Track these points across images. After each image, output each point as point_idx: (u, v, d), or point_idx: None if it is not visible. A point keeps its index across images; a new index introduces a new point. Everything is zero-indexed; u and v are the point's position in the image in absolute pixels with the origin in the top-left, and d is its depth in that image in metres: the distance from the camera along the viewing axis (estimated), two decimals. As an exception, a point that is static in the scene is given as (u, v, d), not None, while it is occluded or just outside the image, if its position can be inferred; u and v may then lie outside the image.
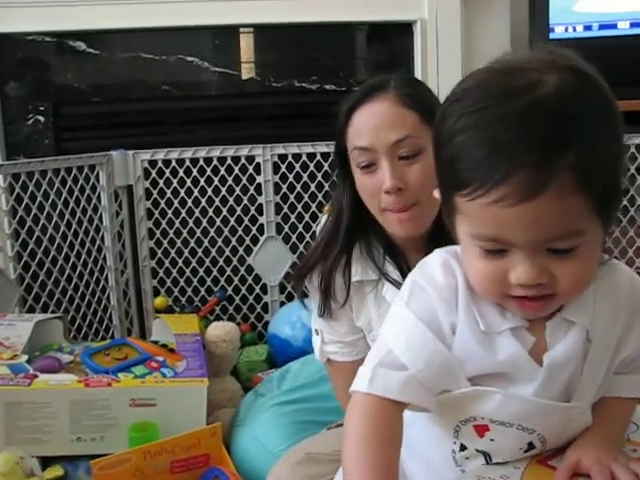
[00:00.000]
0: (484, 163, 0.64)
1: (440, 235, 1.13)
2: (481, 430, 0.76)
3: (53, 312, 1.83)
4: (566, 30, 2.14)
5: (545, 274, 0.66)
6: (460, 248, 0.74)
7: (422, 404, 0.73)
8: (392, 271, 1.19)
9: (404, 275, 1.16)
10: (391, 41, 2.20)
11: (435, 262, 0.75)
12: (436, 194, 0.74)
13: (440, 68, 2.15)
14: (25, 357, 1.45)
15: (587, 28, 2.14)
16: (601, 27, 2.16)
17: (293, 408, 1.47)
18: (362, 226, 1.19)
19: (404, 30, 2.18)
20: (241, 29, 2.14)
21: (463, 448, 0.79)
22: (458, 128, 0.67)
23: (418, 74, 2.15)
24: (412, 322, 0.73)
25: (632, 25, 2.16)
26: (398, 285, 1.16)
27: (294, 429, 1.40)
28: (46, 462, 1.36)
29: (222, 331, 1.70)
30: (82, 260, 1.94)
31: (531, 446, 0.77)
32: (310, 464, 1.03)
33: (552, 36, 2.14)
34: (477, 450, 0.79)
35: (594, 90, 0.66)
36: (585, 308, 0.73)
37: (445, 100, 0.72)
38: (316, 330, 1.28)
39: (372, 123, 1.10)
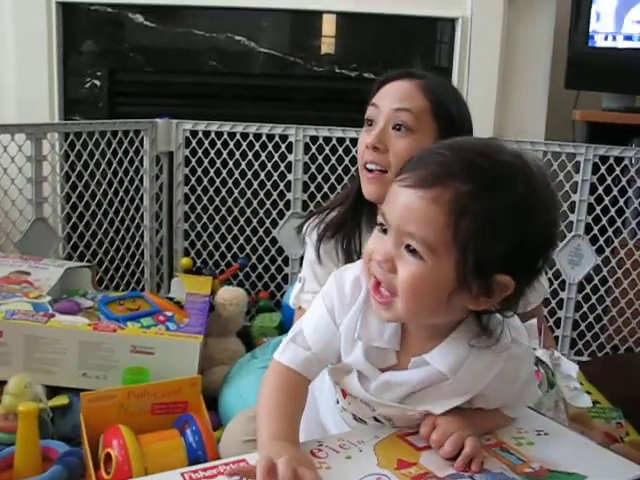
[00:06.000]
0: None
1: None
2: (344, 393, 0.92)
3: (88, 262, 2.01)
4: (605, 39, 2.16)
5: None
6: None
7: (314, 377, 0.89)
8: None
9: None
10: (433, 36, 2.27)
11: (350, 275, 0.88)
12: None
13: (476, 65, 2.22)
14: (48, 298, 1.63)
15: (627, 38, 2.15)
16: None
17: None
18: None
19: (446, 26, 2.25)
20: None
21: (338, 401, 0.95)
22: None
23: (456, 70, 2.23)
24: (322, 313, 0.88)
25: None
26: None
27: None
28: (55, 392, 1.54)
29: (231, 295, 1.84)
30: (120, 217, 2.12)
31: (378, 420, 0.89)
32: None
33: (591, 43, 2.16)
34: (343, 408, 0.93)
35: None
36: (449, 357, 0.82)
37: None
38: (300, 278, 1.37)
39: (391, 91, 1.24)
